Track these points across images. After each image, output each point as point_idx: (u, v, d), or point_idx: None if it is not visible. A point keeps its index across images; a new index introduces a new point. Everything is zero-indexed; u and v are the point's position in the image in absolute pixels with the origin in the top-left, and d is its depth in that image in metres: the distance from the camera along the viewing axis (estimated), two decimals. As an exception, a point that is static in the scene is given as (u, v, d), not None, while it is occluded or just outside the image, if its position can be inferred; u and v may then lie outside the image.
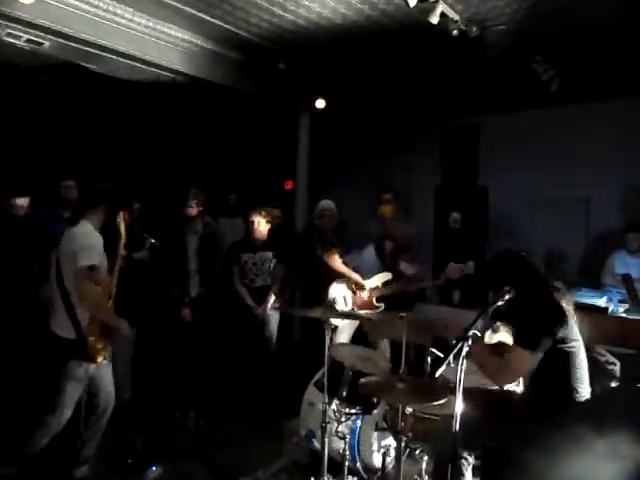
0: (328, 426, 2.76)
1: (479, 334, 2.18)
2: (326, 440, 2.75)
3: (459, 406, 1.99)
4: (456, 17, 4.01)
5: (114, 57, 4.61)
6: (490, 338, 2.75)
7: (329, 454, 2.80)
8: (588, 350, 2.47)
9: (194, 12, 4.31)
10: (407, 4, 3.62)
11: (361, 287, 4.33)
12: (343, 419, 2.82)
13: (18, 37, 4.14)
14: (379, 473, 2.86)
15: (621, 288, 4.30)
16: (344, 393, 2.89)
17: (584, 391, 2.36)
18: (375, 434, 2.92)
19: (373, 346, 4.04)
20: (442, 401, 2.15)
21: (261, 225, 4.34)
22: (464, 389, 1.99)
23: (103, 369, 2.96)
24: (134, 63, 4.76)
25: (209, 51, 5.07)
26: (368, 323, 4.06)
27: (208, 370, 4.15)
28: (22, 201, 3.95)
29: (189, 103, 6.36)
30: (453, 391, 2.04)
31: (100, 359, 2.85)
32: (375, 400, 2.90)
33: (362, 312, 4.30)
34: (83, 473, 3.01)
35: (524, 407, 2.42)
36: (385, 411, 2.81)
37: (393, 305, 4.17)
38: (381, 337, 4.08)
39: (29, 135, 6.19)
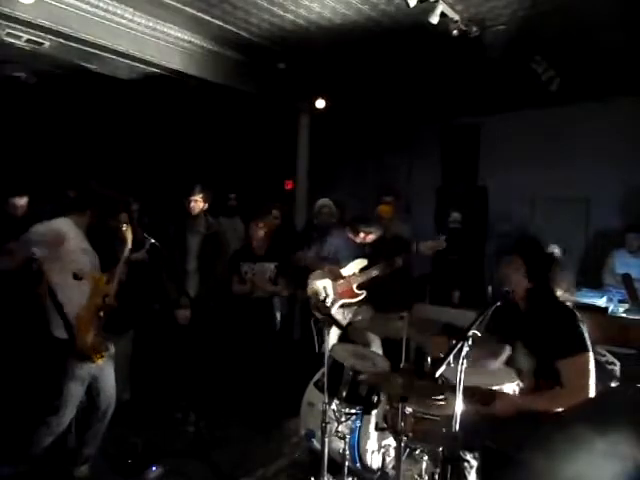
0: (328, 426, 2.76)
1: (479, 334, 2.18)
2: (326, 440, 2.75)
3: (459, 406, 1.99)
4: (456, 17, 4.01)
5: (114, 57, 4.61)
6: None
7: (329, 454, 2.80)
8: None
9: (194, 12, 4.31)
10: (407, 4, 3.62)
11: (338, 276, 4.30)
12: (343, 419, 2.82)
13: (18, 37, 4.15)
14: (379, 473, 2.86)
15: (621, 288, 4.30)
16: (344, 393, 2.88)
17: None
18: (375, 434, 2.92)
19: (360, 341, 4.05)
20: (441, 398, 2.15)
21: (259, 235, 4.31)
22: (464, 389, 1.99)
23: (105, 369, 2.96)
24: (134, 63, 4.77)
25: (209, 51, 5.07)
26: (358, 322, 4.07)
27: (208, 370, 4.15)
28: (21, 201, 3.95)
29: (189, 103, 6.36)
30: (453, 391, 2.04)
31: (97, 359, 2.83)
32: (375, 400, 2.90)
33: (345, 301, 4.29)
34: (83, 473, 3.01)
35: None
36: (385, 411, 2.80)
37: (393, 305, 4.17)
38: (381, 335, 4.07)
39: (29, 135, 6.19)
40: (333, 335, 4.29)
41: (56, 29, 4.03)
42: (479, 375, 2.55)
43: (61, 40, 4.24)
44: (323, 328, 2.85)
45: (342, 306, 4.29)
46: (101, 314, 2.86)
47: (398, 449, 2.35)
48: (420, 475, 2.60)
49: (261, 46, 5.00)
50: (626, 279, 4.26)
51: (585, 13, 3.90)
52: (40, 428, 2.81)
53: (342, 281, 4.28)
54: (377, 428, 2.87)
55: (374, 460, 2.92)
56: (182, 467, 3.26)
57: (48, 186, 4.77)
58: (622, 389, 2.81)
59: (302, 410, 3.27)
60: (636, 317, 3.94)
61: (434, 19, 3.81)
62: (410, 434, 2.43)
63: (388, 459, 2.85)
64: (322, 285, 4.28)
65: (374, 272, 4.26)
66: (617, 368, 3.03)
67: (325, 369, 2.84)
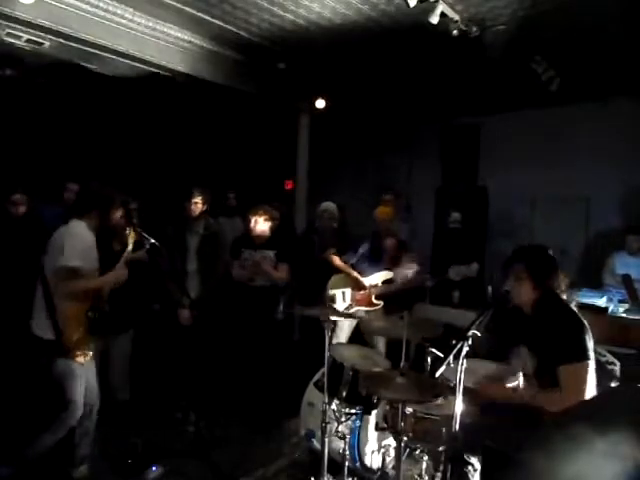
0: (328, 426, 2.76)
1: (479, 334, 2.19)
2: (326, 440, 2.75)
3: (459, 406, 1.99)
4: (456, 17, 4.01)
5: (114, 57, 4.62)
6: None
7: (329, 454, 2.80)
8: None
9: (194, 12, 4.31)
10: (407, 4, 3.62)
11: (361, 285, 4.33)
12: (343, 419, 2.82)
13: (18, 37, 4.15)
14: (379, 473, 2.86)
15: (621, 288, 4.30)
16: (344, 393, 2.88)
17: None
18: (375, 434, 2.92)
19: (370, 345, 4.05)
20: (441, 398, 2.15)
21: (259, 224, 4.28)
22: (464, 389, 1.99)
23: (87, 367, 2.95)
24: (134, 63, 4.77)
25: (209, 51, 5.07)
26: (365, 322, 4.07)
27: (208, 370, 4.15)
28: (21, 200, 3.95)
29: (189, 103, 6.36)
30: (453, 391, 2.04)
31: (82, 359, 2.83)
32: (375, 400, 2.90)
33: (361, 308, 4.30)
34: (82, 473, 3.01)
35: (524, 407, 2.42)
36: (385, 411, 2.80)
37: (393, 305, 4.17)
38: (377, 335, 4.08)
39: (29, 134, 6.19)
40: (342, 336, 4.30)
41: (56, 29, 4.04)
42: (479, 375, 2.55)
43: (61, 40, 4.24)
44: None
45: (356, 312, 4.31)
46: (90, 314, 2.86)
47: (398, 449, 2.35)
48: (420, 475, 2.60)
49: (261, 46, 5.00)
50: (626, 279, 4.26)
51: (585, 13, 3.90)
52: (53, 424, 2.82)
53: (363, 290, 4.30)
54: (377, 428, 2.87)
55: (374, 460, 2.92)
56: (182, 467, 3.26)
57: (47, 185, 4.78)
58: (622, 389, 2.81)
59: (302, 410, 3.26)
60: (636, 317, 3.94)
61: (434, 19, 3.82)
62: (410, 434, 2.43)
63: (388, 459, 2.85)
64: (341, 291, 4.29)
65: (396, 285, 4.29)
66: (617, 368, 3.03)
67: (325, 369, 2.84)
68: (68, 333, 2.78)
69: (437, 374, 2.10)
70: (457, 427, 2.02)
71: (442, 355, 2.18)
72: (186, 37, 4.81)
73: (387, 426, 2.62)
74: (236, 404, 4.07)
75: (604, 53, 4.65)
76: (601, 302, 4.11)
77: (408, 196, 7.08)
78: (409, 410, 2.44)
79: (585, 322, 2.36)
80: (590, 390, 2.23)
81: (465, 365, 2.04)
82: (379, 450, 2.91)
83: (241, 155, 7.66)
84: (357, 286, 4.34)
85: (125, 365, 4.18)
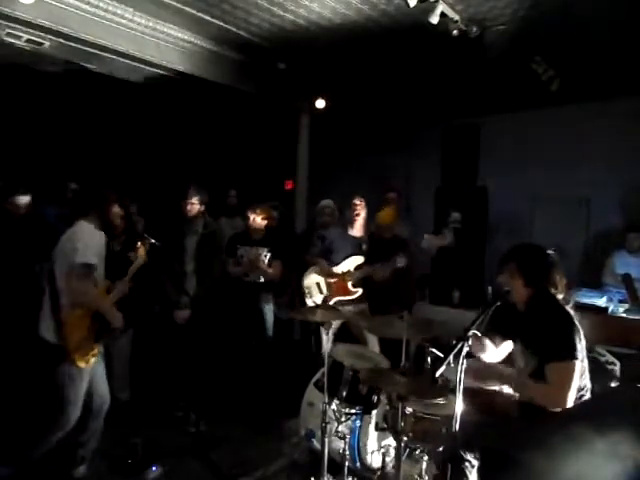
0: (328, 426, 2.76)
1: (479, 334, 2.19)
2: (326, 440, 2.75)
3: (459, 406, 1.99)
4: (456, 17, 4.01)
5: (114, 57, 4.61)
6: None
7: (329, 454, 2.80)
8: (588, 350, 2.47)
9: (194, 12, 4.31)
10: (407, 4, 3.62)
11: (330, 273, 4.31)
12: (343, 419, 2.82)
13: (18, 37, 4.15)
14: (379, 473, 2.85)
15: (621, 288, 4.30)
16: (344, 393, 2.88)
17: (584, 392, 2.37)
18: (375, 434, 2.92)
19: (360, 341, 4.04)
20: (442, 398, 2.15)
21: (256, 222, 4.33)
22: (464, 389, 1.99)
23: (96, 369, 2.96)
24: (134, 63, 4.77)
25: (209, 51, 5.07)
26: (354, 319, 4.06)
27: (208, 370, 4.15)
28: (23, 200, 3.94)
29: (189, 103, 6.36)
30: (453, 391, 2.04)
31: (84, 364, 2.81)
32: (375, 400, 2.90)
33: (339, 298, 4.28)
34: (81, 473, 3.01)
35: (524, 407, 2.42)
36: (385, 411, 2.80)
37: (393, 305, 4.16)
38: (381, 334, 4.05)
39: (29, 134, 6.19)
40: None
41: (56, 29, 4.03)
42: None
43: (61, 40, 4.24)
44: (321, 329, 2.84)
45: (337, 304, 4.27)
46: (95, 319, 2.86)
47: (398, 449, 2.35)
48: (420, 475, 2.60)
49: (261, 46, 5.00)
50: (626, 279, 4.26)
51: (585, 13, 3.90)
52: (50, 427, 2.82)
53: (336, 278, 4.27)
54: (377, 428, 2.87)
55: (374, 460, 2.92)
56: (182, 467, 3.26)
57: (49, 185, 4.78)
58: (622, 389, 2.81)
59: (302, 410, 3.27)
60: (636, 317, 3.94)
61: (434, 19, 3.81)
62: (410, 434, 2.43)
63: (388, 459, 2.85)
64: (315, 281, 4.28)
65: (370, 270, 4.25)
66: (617, 368, 3.03)
67: (325, 369, 2.84)
68: (70, 336, 2.77)
69: (437, 374, 2.10)
70: (457, 427, 2.02)
71: (442, 355, 2.18)
72: (186, 37, 4.81)
73: (387, 426, 2.62)
74: (236, 404, 4.07)
75: (604, 53, 4.65)
76: (601, 302, 4.11)
77: (408, 196, 7.07)
78: (409, 410, 2.44)
79: (577, 322, 2.38)
80: (573, 390, 2.25)
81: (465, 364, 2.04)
82: (379, 450, 2.91)
83: (241, 155, 7.66)
84: (329, 275, 4.33)
85: (125, 365, 4.19)
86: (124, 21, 4.36)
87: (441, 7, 3.79)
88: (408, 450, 2.55)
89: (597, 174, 5.90)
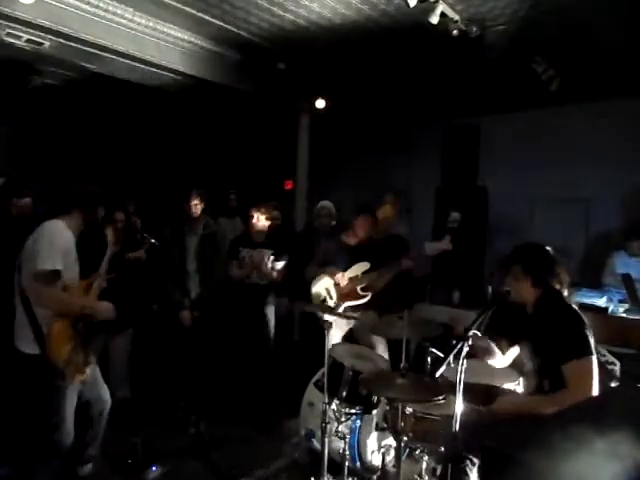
0: (328, 426, 2.76)
1: (479, 334, 2.18)
2: (326, 440, 2.75)
3: (459, 406, 1.99)
4: (456, 17, 4.01)
5: (114, 57, 4.61)
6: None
7: (329, 454, 2.80)
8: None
9: (194, 12, 4.31)
10: (407, 4, 3.62)
11: (340, 280, 4.25)
12: (343, 419, 2.82)
13: (18, 37, 4.15)
14: (379, 473, 2.86)
15: (621, 288, 4.30)
16: (344, 393, 2.88)
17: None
18: (375, 434, 2.92)
19: (366, 344, 4.03)
20: (441, 397, 2.15)
21: (260, 221, 4.30)
22: (465, 388, 1.99)
23: (92, 375, 2.83)
24: (134, 63, 4.77)
25: (209, 51, 5.07)
26: (360, 326, 4.04)
27: (208, 370, 4.15)
28: (23, 201, 3.94)
29: (189, 103, 6.36)
30: (453, 391, 2.04)
31: (76, 375, 2.60)
32: (375, 400, 2.90)
33: (350, 303, 4.27)
34: (86, 472, 3.00)
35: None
36: (385, 411, 2.80)
37: (393, 305, 4.16)
38: (380, 334, 4.04)
39: (29, 134, 6.19)
40: (336, 337, 4.28)
41: (56, 29, 4.03)
42: (479, 374, 2.55)
43: (61, 40, 4.24)
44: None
45: (347, 309, 4.26)
46: (79, 326, 2.63)
47: (398, 449, 2.35)
48: (420, 475, 2.60)
49: (261, 46, 4.99)
50: (626, 279, 4.26)
51: (585, 13, 3.90)
52: (51, 453, 2.64)
53: (345, 283, 4.26)
54: (377, 428, 2.87)
55: (374, 460, 2.92)
56: (182, 467, 3.27)
57: (48, 186, 4.78)
58: (622, 389, 2.81)
59: (302, 410, 3.27)
60: (636, 317, 3.94)
61: (434, 19, 3.81)
62: (410, 434, 2.43)
63: (388, 459, 2.85)
64: (324, 287, 4.26)
65: (379, 274, 4.23)
66: (617, 368, 3.04)
67: (325, 369, 2.84)
68: (56, 351, 2.50)
69: (437, 374, 2.10)
70: (457, 427, 2.02)
71: (442, 355, 2.18)
72: (186, 37, 4.81)
73: (387, 426, 2.62)
74: (236, 404, 4.07)
75: (604, 53, 4.65)
76: (601, 302, 4.11)
77: (408, 196, 7.07)
78: (409, 410, 2.44)
79: (585, 319, 2.37)
80: (596, 385, 2.24)
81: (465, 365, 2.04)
82: (379, 450, 2.91)
83: (241, 155, 7.66)
84: (337, 280, 4.28)
85: (124, 365, 4.20)
86: (124, 21, 4.35)
87: (441, 7, 3.78)
88: (408, 450, 2.55)
89: (597, 174, 5.90)
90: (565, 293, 2.47)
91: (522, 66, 4.67)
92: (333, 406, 2.83)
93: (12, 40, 4.18)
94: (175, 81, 5.29)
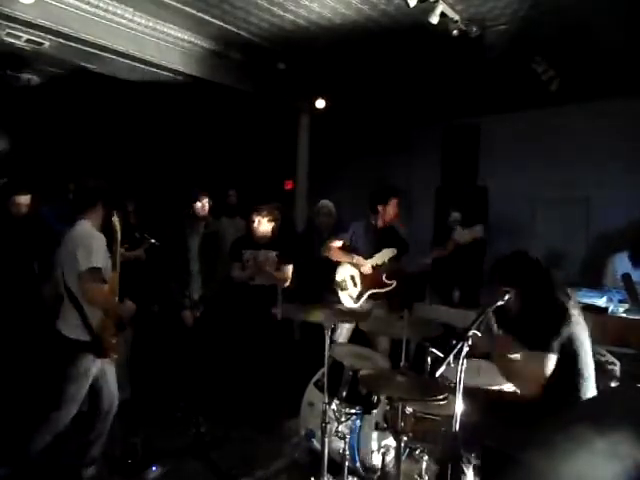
0: (328, 426, 2.75)
1: (479, 334, 2.18)
2: (326, 440, 2.74)
3: (459, 406, 1.99)
4: (456, 17, 4.01)
5: (114, 57, 4.62)
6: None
7: (329, 454, 2.79)
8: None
9: (194, 12, 4.31)
10: (407, 4, 3.63)
11: (365, 267, 4.23)
12: (343, 419, 2.82)
13: (18, 37, 4.15)
14: (379, 473, 2.86)
15: (621, 288, 4.30)
16: (344, 393, 2.88)
17: (587, 390, 2.36)
18: (375, 434, 2.92)
19: (373, 344, 4.02)
20: (442, 397, 2.15)
21: (262, 224, 4.24)
22: (464, 388, 1.99)
23: (106, 370, 2.96)
24: (134, 63, 4.77)
25: (209, 51, 5.07)
26: (367, 320, 4.03)
27: (208, 370, 4.15)
28: (23, 200, 3.94)
29: (189, 103, 6.37)
30: (453, 391, 2.04)
31: (114, 355, 2.92)
32: (375, 400, 2.90)
33: (374, 291, 4.22)
34: (91, 473, 3.01)
35: (524, 407, 2.42)
36: (385, 411, 2.80)
37: (393, 304, 4.16)
38: (380, 334, 4.03)
39: (29, 134, 6.19)
40: (343, 335, 4.26)
41: (56, 29, 4.04)
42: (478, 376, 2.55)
43: (61, 40, 4.24)
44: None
45: (371, 297, 4.21)
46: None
47: (398, 449, 2.35)
48: (420, 475, 2.60)
49: (261, 46, 5.00)
50: (626, 279, 4.25)
51: (585, 13, 3.90)
52: (43, 425, 2.81)
53: (371, 271, 4.22)
54: (377, 428, 2.87)
55: (374, 460, 2.92)
56: (182, 467, 3.26)
57: (48, 185, 4.78)
58: (622, 389, 2.81)
59: (302, 410, 3.26)
60: (636, 317, 3.93)
61: (434, 19, 3.82)
62: (410, 434, 2.43)
63: (388, 459, 2.85)
64: (350, 274, 4.22)
65: (407, 261, 4.21)
66: (617, 368, 3.03)
67: (325, 369, 2.83)
68: (106, 335, 2.82)
69: (437, 374, 2.10)
70: (457, 427, 2.02)
71: (442, 355, 2.18)
72: (186, 37, 4.81)
73: (387, 426, 2.62)
74: (236, 404, 4.07)
75: (604, 53, 4.65)
76: (601, 302, 4.10)
77: (408, 196, 7.07)
78: (409, 410, 2.44)
79: (571, 317, 2.36)
80: (542, 380, 2.29)
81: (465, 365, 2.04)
82: (379, 450, 2.91)
83: (241, 155, 7.66)
84: (362, 267, 4.24)
85: (124, 365, 4.19)
86: (124, 21, 4.36)
87: (441, 7, 3.79)
88: (408, 450, 2.55)
89: (597, 174, 5.91)
90: (556, 291, 2.46)
91: (522, 66, 4.67)
92: (333, 406, 2.83)
93: (12, 40, 4.19)
94: (175, 81, 5.30)
